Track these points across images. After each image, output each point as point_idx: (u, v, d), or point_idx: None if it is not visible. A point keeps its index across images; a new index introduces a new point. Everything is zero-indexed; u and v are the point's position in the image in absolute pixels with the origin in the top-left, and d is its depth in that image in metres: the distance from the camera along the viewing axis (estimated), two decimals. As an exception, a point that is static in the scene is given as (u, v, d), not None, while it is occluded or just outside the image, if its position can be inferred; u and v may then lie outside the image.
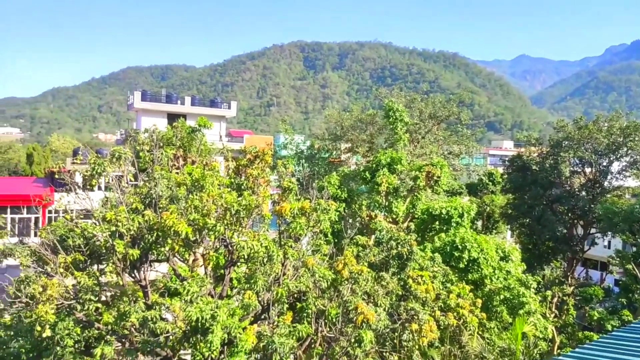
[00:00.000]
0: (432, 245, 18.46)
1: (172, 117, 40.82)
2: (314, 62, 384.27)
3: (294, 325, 10.79)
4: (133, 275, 11.57)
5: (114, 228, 10.42)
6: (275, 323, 10.74)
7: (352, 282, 11.87)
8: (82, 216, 13.02)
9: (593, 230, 37.66)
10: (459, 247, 17.62)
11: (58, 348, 10.04)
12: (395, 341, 12.59)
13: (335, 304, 11.64)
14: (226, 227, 10.97)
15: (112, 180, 12.05)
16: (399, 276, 14.28)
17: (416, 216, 22.06)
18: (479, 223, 40.02)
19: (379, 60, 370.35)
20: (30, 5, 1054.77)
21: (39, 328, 9.42)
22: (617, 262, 29.86)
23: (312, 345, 11.85)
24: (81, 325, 10.44)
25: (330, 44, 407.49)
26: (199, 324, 9.20)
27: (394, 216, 21.19)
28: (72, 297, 10.53)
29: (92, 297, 10.58)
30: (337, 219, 16.28)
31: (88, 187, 12.12)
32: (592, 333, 22.30)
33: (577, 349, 9.06)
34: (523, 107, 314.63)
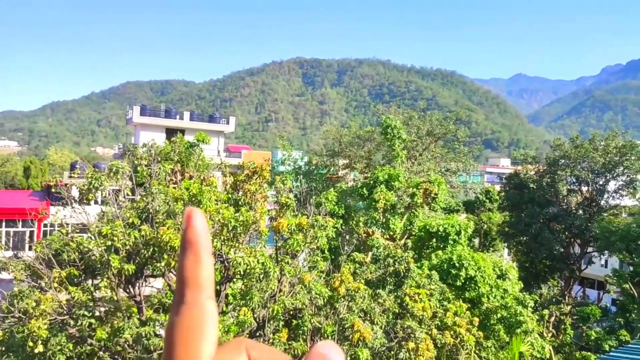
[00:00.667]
0: (429, 262, 18.41)
1: (170, 132, 40.94)
2: (313, 78, 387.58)
3: (289, 342, 10.71)
4: (128, 290, 11.49)
5: (109, 243, 10.38)
6: (270, 340, 10.64)
7: (349, 299, 11.82)
8: (78, 230, 12.97)
9: (590, 249, 37.61)
10: (456, 264, 17.57)
11: (50, 364, 9.92)
12: (391, 359, 12.48)
13: (331, 322, 11.57)
14: (223, 242, 10.94)
15: (109, 194, 12.04)
16: (395, 294, 14.22)
17: (413, 233, 22.03)
18: (476, 241, 39.96)
19: (377, 78, 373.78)
20: (31, 19, 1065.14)
21: (31, 344, 9.32)
22: (614, 281, 29.78)
23: (308, 364, 11.72)
24: (74, 341, 10.33)
25: (329, 61, 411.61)
26: (194, 340, 9.09)
27: (391, 233, 21.16)
28: (65, 312, 10.44)
29: (86, 313, 10.49)
30: (334, 236, 16.24)
31: (85, 201, 12.11)
32: (589, 353, 22.15)
33: (574, 370, 8.99)
34: (520, 125, 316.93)
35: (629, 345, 10.87)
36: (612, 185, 37.09)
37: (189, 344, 0.54)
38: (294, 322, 11.84)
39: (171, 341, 0.54)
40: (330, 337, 11.37)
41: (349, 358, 10.57)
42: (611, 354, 9.96)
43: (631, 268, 28.66)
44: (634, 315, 25.64)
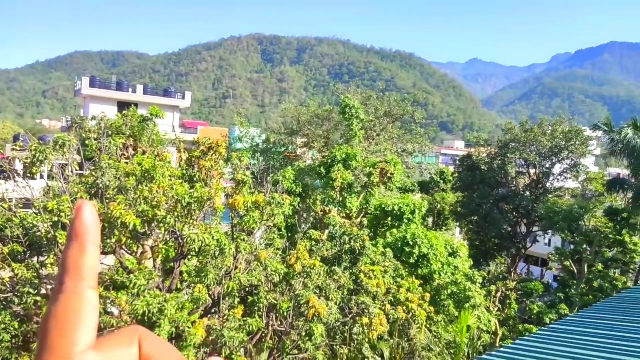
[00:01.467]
0: (384, 240, 18.78)
1: (122, 105, 39.37)
2: (272, 55, 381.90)
3: (245, 319, 10.70)
4: (76, 267, 11.08)
5: (56, 218, 9.94)
6: (226, 317, 10.60)
7: (304, 276, 11.89)
8: (21, 205, 12.34)
9: (535, 228, 39.52)
10: (410, 242, 18.02)
11: (-8, 344, 9.51)
12: (345, 334, 12.74)
13: (286, 298, 11.63)
14: (177, 219, 10.70)
15: (55, 168, 11.49)
16: (350, 270, 14.44)
17: (369, 212, 22.37)
18: (430, 220, 41.08)
19: (337, 57, 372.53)
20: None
21: (-30, 323, 8.88)
22: (556, 258, 31.48)
23: (263, 339, 11.80)
24: (19, 319, 9.92)
25: (289, 38, 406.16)
26: (146, 317, 8.94)
27: (348, 211, 21.40)
28: (9, 289, 9.98)
29: (31, 290, 10.06)
30: (291, 213, 16.27)
31: (28, 175, 11.49)
32: (531, 325, 23.42)
33: (517, 341, 9.47)
34: (474, 109, 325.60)
35: (567, 318, 11.55)
36: (557, 168, 38.91)
37: (64, 332, 0.51)
38: (250, 298, 11.82)
39: (45, 329, 0.52)
40: (285, 313, 11.46)
41: (304, 333, 10.70)
42: (551, 326, 10.56)
43: (572, 246, 30.36)
44: (572, 290, 27.27)
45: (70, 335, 0.51)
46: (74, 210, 0.57)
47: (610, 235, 27.53)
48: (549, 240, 42.95)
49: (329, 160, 21.70)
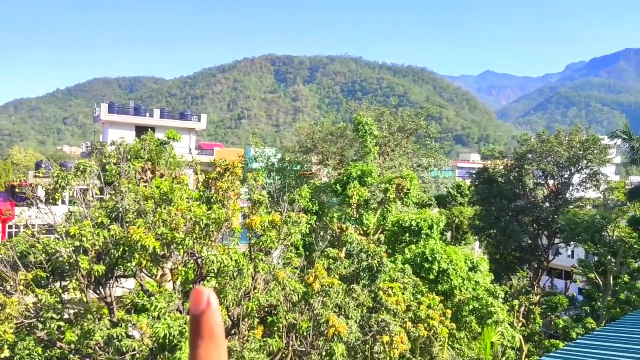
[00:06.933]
0: (403, 256, 18.61)
1: (140, 130, 40.14)
2: (285, 75, 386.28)
3: (265, 339, 10.67)
4: (98, 291, 11.23)
5: (77, 243, 10.12)
6: (246, 338, 10.59)
7: (323, 294, 11.85)
8: (44, 231, 12.59)
9: (557, 240, 38.72)
10: (429, 258, 17.82)
11: (17, 369, 9.62)
12: (366, 353, 12.58)
13: (306, 317, 11.58)
14: (195, 241, 10.80)
15: (77, 194, 11.73)
16: (369, 288, 14.33)
17: (386, 228, 22.24)
18: (448, 234, 40.59)
19: (350, 74, 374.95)
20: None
21: (-4, 349, 9.02)
22: (580, 271, 30.74)
23: (283, 360, 11.72)
24: (42, 344, 10.05)
25: (301, 58, 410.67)
26: (167, 340, 8.98)
27: (365, 228, 21.31)
28: (32, 315, 10.13)
29: (54, 315, 10.20)
30: (308, 232, 16.26)
31: (51, 201, 11.75)
32: (557, 341, 22.81)
33: (543, 357, 9.25)
34: (489, 121, 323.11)
35: (595, 332, 11.26)
36: (576, 179, 38.26)
37: None
38: (269, 319, 11.80)
39: None
40: (305, 333, 11.40)
41: (324, 353, 10.61)
42: (578, 341, 10.30)
43: (596, 258, 29.63)
44: (599, 304, 26.54)
45: None
46: (196, 296, 0.50)
47: (635, 246, 26.83)
48: (572, 252, 42.01)
49: (345, 178, 21.72)
